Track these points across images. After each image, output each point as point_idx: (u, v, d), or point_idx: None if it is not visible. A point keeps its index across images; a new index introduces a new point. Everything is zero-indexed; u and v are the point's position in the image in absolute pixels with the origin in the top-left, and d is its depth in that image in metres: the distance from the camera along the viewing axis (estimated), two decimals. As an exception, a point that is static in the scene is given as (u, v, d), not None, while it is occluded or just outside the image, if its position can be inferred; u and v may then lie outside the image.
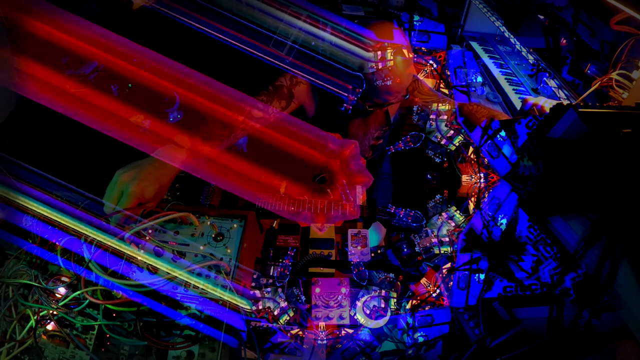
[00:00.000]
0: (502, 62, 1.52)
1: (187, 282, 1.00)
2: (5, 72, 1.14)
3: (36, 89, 1.17)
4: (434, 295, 1.16)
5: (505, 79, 1.42)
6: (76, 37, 1.25)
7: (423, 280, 1.20)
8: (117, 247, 0.99)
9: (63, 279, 1.01)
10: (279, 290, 1.13)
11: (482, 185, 1.28)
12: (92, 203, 1.07)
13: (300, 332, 1.09)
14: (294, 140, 1.51)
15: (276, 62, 1.35)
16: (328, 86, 1.37)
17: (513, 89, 1.36)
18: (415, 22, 1.55)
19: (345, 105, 1.47)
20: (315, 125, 1.56)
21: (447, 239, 1.26)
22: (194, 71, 1.39)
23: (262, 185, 1.36)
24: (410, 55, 1.42)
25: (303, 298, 1.11)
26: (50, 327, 1.01)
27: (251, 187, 1.31)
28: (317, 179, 1.57)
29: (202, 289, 0.99)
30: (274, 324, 1.07)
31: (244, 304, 0.98)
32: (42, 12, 1.19)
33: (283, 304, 1.11)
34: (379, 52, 1.35)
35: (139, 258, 1.03)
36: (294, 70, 1.36)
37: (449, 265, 1.17)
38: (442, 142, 1.46)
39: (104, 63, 1.38)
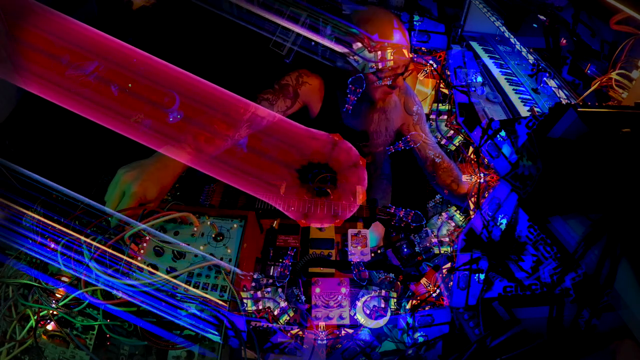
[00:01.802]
0: (502, 62, 1.52)
1: (187, 281, 1.00)
2: (6, 72, 1.14)
3: (37, 84, 1.16)
4: (434, 295, 1.16)
5: (505, 79, 1.42)
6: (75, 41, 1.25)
7: (423, 280, 1.20)
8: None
9: (63, 279, 1.01)
10: (279, 290, 1.13)
11: (482, 185, 1.28)
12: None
13: (300, 332, 1.09)
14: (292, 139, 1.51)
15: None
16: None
17: (513, 89, 1.36)
18: (415, 22, 1.55)
19: (346, 106, 1.47)
20: (317, 126, 1.56)
21: (447, 239, 1.26)
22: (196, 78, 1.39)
23: (262, 185, 1.35)
24: (410, 55, 1.42)
25: (303, 298, 1.11)
26: (50, 327, 1.01)
27: (252, 186, 1.30)
28: (318, 178, 1.57)
29: (202, 290, 0.99)
30: (274, 324, 1.07)
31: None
32: (41, 15, 1.19)
33: (283, 304, 1.11)
34: (379, 52, 1.35)
35: (140, 258, 1.03)
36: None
37: (449, 265, 1.17)
38: (442, 142, 1.46)
39: (104, 63, 1.38)
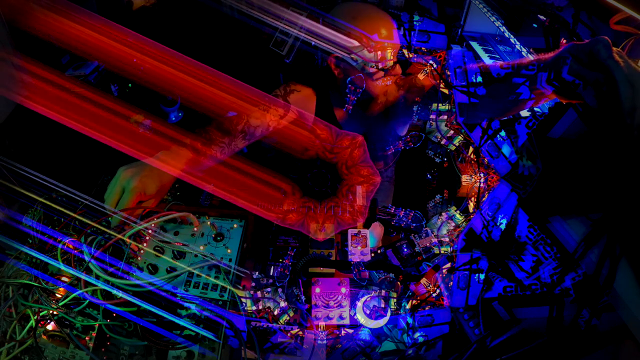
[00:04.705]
0: (502, 62, 1.52)
1: (187, 281, 1.00)
2: (6, 75, 1.14)
3: (35, 96, 1.17)
4: (434, 295, 1.16)
5: (505, 79, 1.41)
6: (77, 34, 1.25)
7: (423, 280, 1.20)
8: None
9: (63, 279, 1.01)
10: (279, 290, 1.13)
11: (482, 185, 1.28)
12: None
13: (300, 332, 1.09)
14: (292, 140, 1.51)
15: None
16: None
17: (513, 89, 1.36)
18: (415, 22, 1.55)
19: (346, 106, 1.47)
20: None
21: (447, 239, 1.26)
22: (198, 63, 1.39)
23: (261, 192, 1.35)
24: (411, 55, 1.42)
25: (303, 298, 1.11)
26: (50, 327, 1.01)
27: (251, 195, 1.30)
28: (316, 178, 1.57)
29: (202, 290, 0.99)
30: (274, 324, 1.07)
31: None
32: (43, 8, 1.19)
33: (283, 304, 1.11)
34: (379, 52, 1.35)
35: (139, 258, 1.03)
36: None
37: (449, 265, 1.17)
38: (442, 142, 1.46)
39: (104, 63, 1.38)
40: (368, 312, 1.08)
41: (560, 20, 1.24)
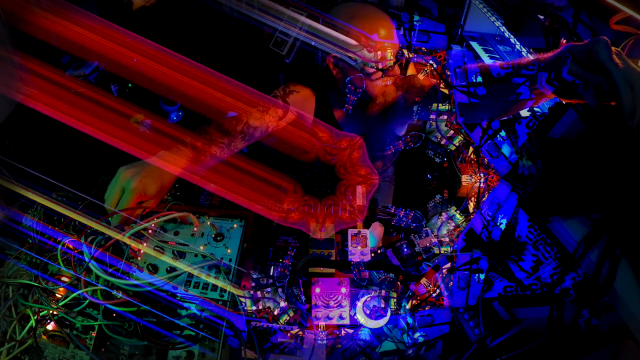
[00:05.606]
0: (502, 62, 1.52)
1: (187, 281, 1.00)
2: (6, 75, 1.14)
3: (36, 95, 1.17)
4: (434, 295, 1.16)
5: (505, 79, 1.41)
6: (77, 36, 1.25)
7: (423, 280, 1.20)
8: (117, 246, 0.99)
9: (63, 279, 1.01)
10: (279, 290, 1.13)
11: (482, 185, 1.28)
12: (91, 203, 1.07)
13: (300, 332, 1.09)
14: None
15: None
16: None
17: (513, 89, 1.36)
18: (415, 22, 1.55)
19: (346, 106, 1.47)
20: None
21: (447, 239, 1.26)
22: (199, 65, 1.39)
23: (262, 190, 1.35)
24: (411, 55, 1.42)
25: (303, 298, 1.11)
26: (50, 327, 1.01)
27: (252, 194, 1.30)
28: (316, 178, 1.57)
29: (202, 290, 0.99)
30: (274, 324, 1.07)
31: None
32: (43, 10, 1.19)
33: (283, 304, 1.11)
34: (379, 52, 1.35)
35: (140, 258, 1.03)
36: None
37: (449, 265, 1.17)
38: (442, 142, 1.46)
39: (104, 63, 1.38)
40: (368, 312, 1.08)
41: (560, 20, 1.25)
